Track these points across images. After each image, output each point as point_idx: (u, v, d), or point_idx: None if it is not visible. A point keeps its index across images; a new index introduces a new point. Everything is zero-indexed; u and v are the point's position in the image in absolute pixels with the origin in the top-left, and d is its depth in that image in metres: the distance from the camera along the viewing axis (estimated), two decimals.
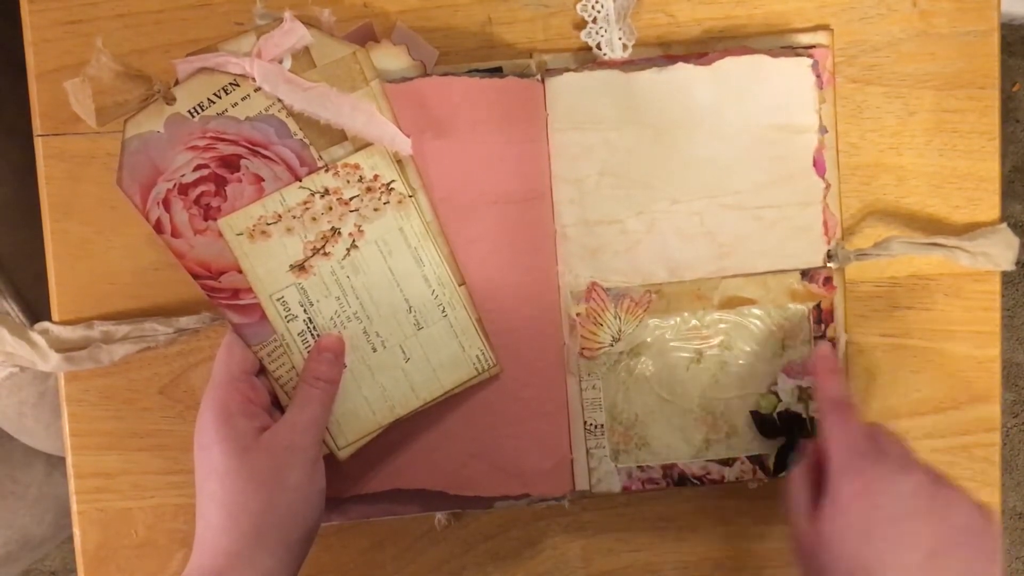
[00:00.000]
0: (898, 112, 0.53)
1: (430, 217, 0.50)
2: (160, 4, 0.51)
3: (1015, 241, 0.53)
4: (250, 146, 0.48)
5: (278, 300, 0.49)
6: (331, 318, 0.49)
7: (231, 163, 0.48)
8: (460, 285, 0.50)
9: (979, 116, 0.53)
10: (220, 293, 0.49)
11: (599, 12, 0.51)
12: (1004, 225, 0.53)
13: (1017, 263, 0.53)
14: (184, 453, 0.53)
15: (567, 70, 0.51)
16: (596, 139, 0.51)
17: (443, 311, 0.50)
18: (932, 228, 0.53)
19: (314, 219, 0.49)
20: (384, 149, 0.49)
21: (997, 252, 0.52)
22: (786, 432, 0.53)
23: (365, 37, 0.51)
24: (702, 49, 0.51)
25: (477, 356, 0.51)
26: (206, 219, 0.48)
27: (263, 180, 0.48)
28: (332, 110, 0.48)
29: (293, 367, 0.49)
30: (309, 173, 0.49)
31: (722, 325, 0.52)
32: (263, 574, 0.44)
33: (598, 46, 0.51)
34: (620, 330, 0.52)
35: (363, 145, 0.49)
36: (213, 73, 0.47)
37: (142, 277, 0.52)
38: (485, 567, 0.55)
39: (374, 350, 0.50)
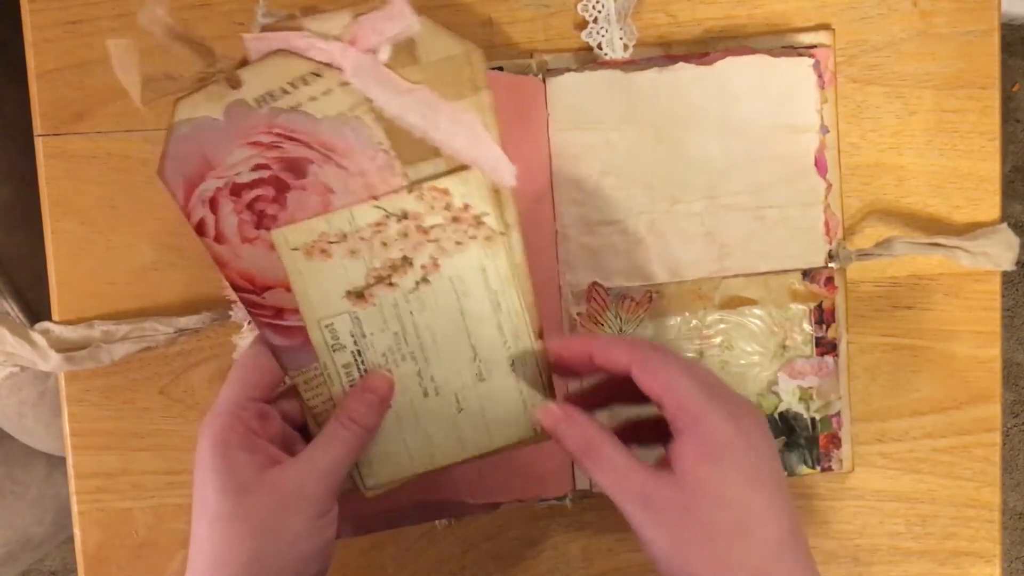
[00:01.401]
0: (898, 112, 0.53)
1: (519, 259, 0.43)
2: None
3: (1015, 241, 0.53)
4: (324, 151, 0.40)
5: (326, 326, 0.43)
6: (383, 354, 0.44)
7: (297, 168, 0.40)
8: (538, 339, 0.45)
9: (979, 116, 0.53)
10: (262, 311, 0.42)
11: (600, 12, 0.51)
12: (1004, 225, 0.53)
13: (1017, 263, 0.53)
14: (184, 453, 0.53)
15: (568, 70, 0.51)
16: (597, 139, 0.51)
17: (512, 365, 0.45)
18: (932, 228, 0.53)
19: (384, 244, 0.42)
20: (481, 176, 0.41)
21: (997, 252, 0.52)
22: (786, 432, 0.53)
23: None
24: (703, 49, 0.51)
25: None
26: (258, 227, 0.41)
27: (332, 192, 0.41)
28: (430, 121, 0.40)
29: (331, 398, 0.44)
30: (388, 192, 0.41)
31: (723, 325, 0.52)
32: None
33: (599, 46, 0.51)
34: (621, 330, 0.52)
35: (457, 167, 0.41)
36: (291, 57, 0.39)
37: (142, 277, 0.52)
38: (485, 567, 0.55)
39: (425, 395, 0.45)
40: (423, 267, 0.43)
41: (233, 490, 0.40)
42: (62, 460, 0.65)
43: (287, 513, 0.40)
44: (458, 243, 0.42)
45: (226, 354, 0.52)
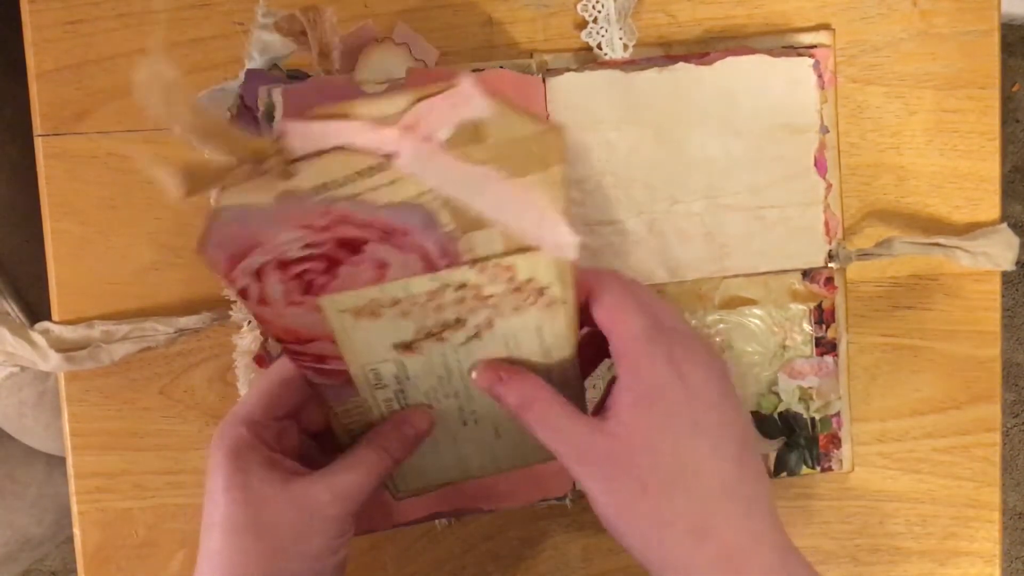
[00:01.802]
0: (898, 112, 0.53)
1: (573, 326, 0.41)
2: (161, 4, 0.51)
3: (1015, 241, 0.53)
4: (382, 232, 0.37)
5: (371, 370, 0.41)
6: (425, 392, 0.43)
7: (352, 246, 0.37)
8: (584, 380, 0.44)
9: (979, 116, 0.53)
10: (303, 357, 0.40)
11: (600, 12, 0.51)
12: (1004, 225, 0.53)
13: (1017, 263, 0.53)
14: (184, 453, 0.53)
15: (568, 70, 0.51)
16: (596, 139, 0.51)
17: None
18: (932, 228, 0.53)
19: (439, 308, 0.39)
20: (551, 259, 0.38)
21: (997, 252, 0.52)
22: (786, 432, 0.53)
23: (365, 37, 0.51)
24: (703, 49, 0.51)
25: None
26: (305, 293, 0.38)
27: (388, 266, 0.37)
28: (491, 201, 0.36)
29: (370, 423, 0.43)
30: (449, 266, 0.37)
31: (722, 325, 0.52)
32: None
33: (599, 46, 0.51)
34: None
35: (516, 239, 0.37)
36: (352, 153, 0.34)
37: (142, 277, 0.52)
38: (485, 567, 0.55)
39: (464, 424, 0.44)
40: (476, 327, 0.41)
41: (250, 503, 0.38)
42: (62, 460, 0.65)
43: (306, 532, 0.39)
44: (515, 308, 0.40)
45: (226, 354, 0.52)
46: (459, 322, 0.40)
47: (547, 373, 0.43)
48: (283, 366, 0.42)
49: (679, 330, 0.39)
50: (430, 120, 0.34)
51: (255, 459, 0.39)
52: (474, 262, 0.38)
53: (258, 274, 0.37)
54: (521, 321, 0.40)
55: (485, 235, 0.37)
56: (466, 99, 0.34)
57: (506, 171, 0.36)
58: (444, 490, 0.49)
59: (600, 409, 0.40)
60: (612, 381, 0.40)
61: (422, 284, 0.38)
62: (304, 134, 0.34)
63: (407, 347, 0.41)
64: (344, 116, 0.34)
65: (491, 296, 0.39)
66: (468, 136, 0.35)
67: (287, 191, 0.35)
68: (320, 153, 0.35)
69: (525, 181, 0.36)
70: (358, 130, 0.34)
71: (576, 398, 0.44)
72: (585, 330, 0.42)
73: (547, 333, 0.41)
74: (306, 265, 0.37)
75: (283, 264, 0.37)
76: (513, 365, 0.41)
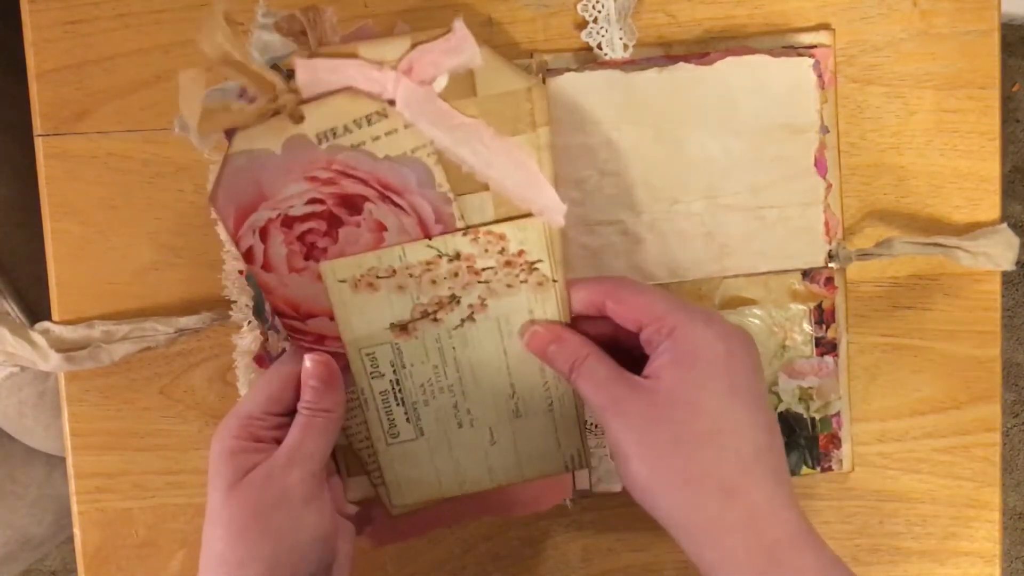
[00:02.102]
0: (898, 112, 0.53)
1: (564, 305, 0.43)
2: (161, 4, 0.51)
3: (1015, 241, 0.53)
4: (381, 189, 0.39)
5: (367, 355, 0.43)
6: (421, 385, 0.44)
7: (352, 205, 0.40)
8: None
9: (979, 116, 0.53)
10: (303, 336, 0.43)
11: (600, 12, 0.51)
12: (1004, 225, 0.53)
13: (1017, 263, 0.53)
14: (184, 453, 0.53)
15: (568, 70, 0.51)
16: (597, 139, 0.51)
17: (550, 405, 0.46)
18: (932, 228, 0.53)
19: (434, 282, 0.41)
20: (541, 225, 0.41)
21: (997, 252, 0.52)
22: (786, 432, 0.53)
23: (365, 37, 0.50)
24: (703, 49, 0.51)
25: (572, 456, 0.47)
26: (307, 259, 0.41)
27: (386, 229, 0.40)
28: (483, 157, 0.39)
29: (365, 422, 0.45)
30: (443, 232, 0.40)
31: None
32: None
33: (599, 46, 0.51)
34: None
35: (505, 204, 0.40)
36: (358, 96, 0.37)
37: (142, 277, 0.52)
38: (485, 567, 0.55)
39: (459, 426, 0.45)
40: (470, 306, 0.42)
41: (250, 503, 0.40)
42: (62, 460, 0.65)
43: (268, 505, 0.40)
44: (508, 286, 0.42)
45: (226, 354, 0.52)
46: (454, 299, 0.42)
47: (540, 368, 0.45)
48: (282, 365, 0.43)
49: (707, 308, 0.41)
50: (425, 64, 0.36)
51: (239, 450, 0.41)
52: (467, 230, 0.40)
53: (263, 233, 0.39)
54: (513, 302, 0.41)
55: (477, 200, 0.40)
56: (460, 45, 0.36)
57: (496, 127, 0.38)
58: (444, 504, 0.49)
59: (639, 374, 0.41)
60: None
61: (417, 252, 0.40)
62: (314, 71, 0.37)
63: (403, 328, 0.42)
64: (351, 55, 0.37)
65: (484, 270, 0.41)
66: (461, 87, 0.37)
67: (295, 135, 0.37)
68: (329, 94, 0.37)
69: (515, 141, 0.39)
70: (362, 70, 0.36)
71: (563, 396, 0.46)
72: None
73: (539, 318, 0.42)
74: (309, 224, 0.39)
75: (288, 221, 0.39)
76: (562, 327, 0.43)
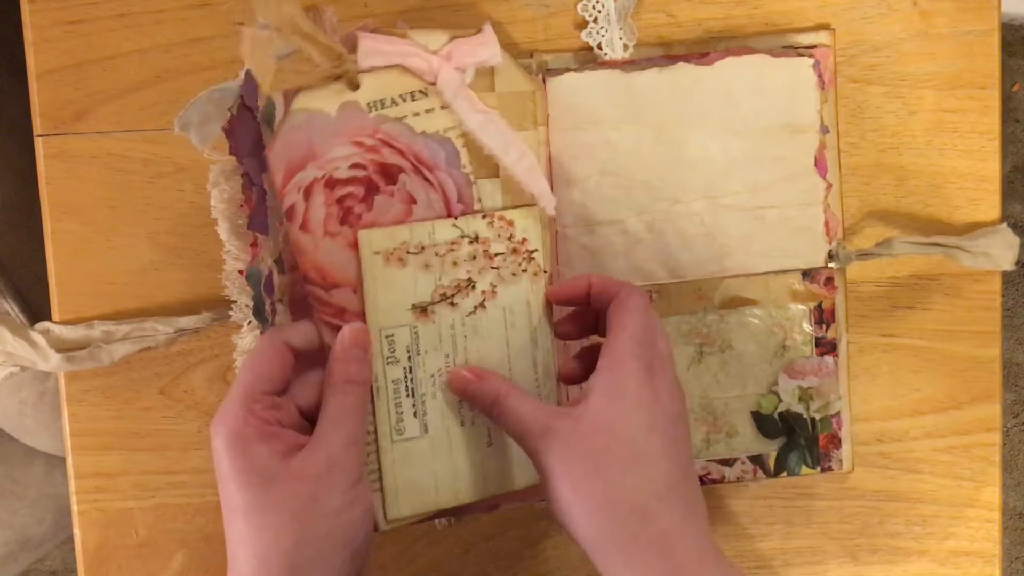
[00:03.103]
0: (898, 112, 0.53)
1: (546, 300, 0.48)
2: (160, 4, 0.51)
3: (1015, 241, 0.53)
4: (415, 162, 0.44)
5: (387, 336, 0.44)
6: (432, 375, 0.45)
7: (390, 173, 0.44)
8: (559, 381, 0.48)
9: (979, 116, 0.53)
10: (325, 307, 0.44)
11: (600, 12, 0.51)
12: (1004, 225, 0.53)
13: (1017, 263, 0.53)
14: (184, 453, 0.53)
15: (568, 70, 0.51)
16: (597, 139, 0.51)
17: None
18: (932, 228, 0.53)
19: (455, 263, 0.45)
20: (538, 214, 0.46)
21: (997, 252, 0.52)
22: (786, 432, 0.53)
23: None
24: (703, 49, 0.51)
25: None
26: (342, 223, 0.44)
27: (415, 202, 0.44)
28: (501, 145, 0.45)
29: (374, 412, 0.45)
30: (464, 212, 0.45)
31: (722, 325, 0.52)
32: None
33: (599, 46, 0.51)
34: None
35: (511, 192, 0.46)
36: (406, 73, 0.43)
37: (142, 277, 0.52)
38: (485, 567, 0.55)
39: (462, 424, 0.46)
40: (483, 292, 0.46)
41: (259, 483, 0.39)
42: (62, 460, 0.65)
43: (321, 494, 0.40)
44: (513, 274, 0.46)
45: (226, 354, 0.52)
46: (470, 283, 0.45)
47: (533, 363, 0.47)
48: (263, 342, 0.43)
49: (666, 357, 0.44)
50: (461, 54, 0.44)
51: (255, 438, 0.40)
52: (484, 213, 0.45)
53: (307, 191, 0.43)
54: (516, 291, 0.46)
55: (489, 185, 0.46)
56: (489, 42, 0.44)
57: (508, 120, 0.45)
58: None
59: (573, 401, 0.44)
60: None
61: (445, 231, 0.44)
62: (373, 46, 0.43)
63: (423, 311, 0.45)
64: (402, 35, 0.44)
65: (497, 255, 0.45)
66: (484, 82, 0.45)
67: (349, 101, 0.43)
68: (383, 68, 0.43)
69: (522, 135, 0.46)
70: (413, 51, 0.43)
71: (550, 395, 0.47)
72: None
73: (534, 311, 0.47)
74: (349, 188, 0.44)
75: (331, 183, 0.43)
76: (482, 369, 0.46)
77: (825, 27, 0.52)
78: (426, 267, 0.45)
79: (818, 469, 0.54)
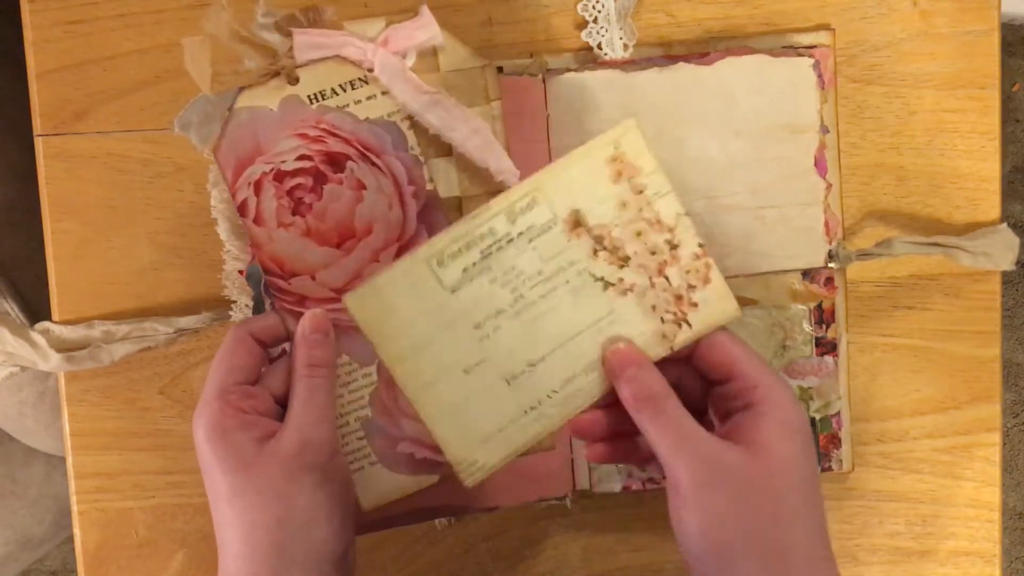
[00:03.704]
0: (898, 112, 0.53)
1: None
2: (160, 4, 0.51)
3: (1015, 241, 0.52)
4: (361, 149, 0.45)
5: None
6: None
7: (337, 162, 0.45)
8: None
9: (979, 116, 0.53)
10: (286, 296, 0.46)
11: (600, 12, 0.51)
12: (1004, 225, 0.53)
13: (1017, 263, 0.53)
14: (184, 453, 0.53)
15: (568, 70, 0.51)
16: None
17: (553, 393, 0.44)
18: (932, 228, 0.53)
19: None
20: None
21: (997, 252, 0.52)
22: None
23: None
24: (703, 49, 0.51)
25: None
26: (294, 213, 0.45)
27: (365, 188, 0.45)
28: (446, 122, 0.45)
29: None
30: (415, 194, 0.45)
31: None
32: None
33: (599, 46, 0.51)
34: None
35: (467, 169, 0.45)
36: (344, 63, 0.44)
37: (142, 277, 0.52)
38: (485, 568, 0.55)
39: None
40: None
41: (240, 467, 0.41)
42: (62, 460, 0.65)
43: (297, 472, 0.41)
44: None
45: None
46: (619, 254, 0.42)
47: (573, 361, 0.44)
48: (232, 335, 0.44)
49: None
50: (398, 38, 0.44)
51: (234, 427, 0.41)
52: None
53: (257, 186, 0.45)
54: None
55: (443, 163, 0.46)
56: (427, 24, 0.44)
57: (457, 98, 0.45)
58: (440, 487, 0.49)
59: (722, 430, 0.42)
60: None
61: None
62: (309, 41, 0.44)
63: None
64: (337, 26, 0.44)
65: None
66: (427, 63, 0.45)
67: (290, 95, 0.44)
68: (320, 61, 0.44)
69: (473, 111, 0.45)
70: (348, 38, 0.44)
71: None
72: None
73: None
74: (298, 179, 0.45)
75: (279, 175, 0.45)
76: (645, 356, 0.43)
77: (825, 27, 0.52)
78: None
79: (818, 469, 0.54)
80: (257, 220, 0.45)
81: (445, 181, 0.46)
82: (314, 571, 0.41)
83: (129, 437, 0.53)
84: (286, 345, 0.47)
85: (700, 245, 0.43)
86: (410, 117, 0.45)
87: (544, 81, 0.50)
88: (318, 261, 0.46)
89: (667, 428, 0.40)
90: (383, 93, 0.45)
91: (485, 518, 0.55)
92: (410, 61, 0.45)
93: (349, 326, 0.43)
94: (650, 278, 0.43)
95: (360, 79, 0.45)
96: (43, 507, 0.77)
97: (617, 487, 0.53)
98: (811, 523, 0.40)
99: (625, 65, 0.51)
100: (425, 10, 0.44)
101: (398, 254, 0.46)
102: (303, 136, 0.45)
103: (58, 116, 0.51)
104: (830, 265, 0.52)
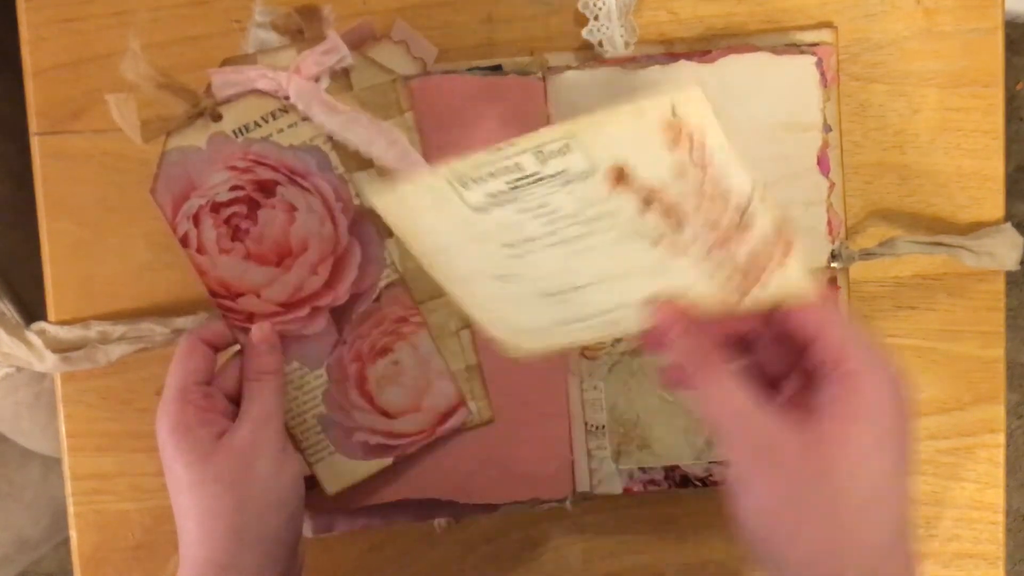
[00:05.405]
0: (902, 110, 0.52)
1: None
2: (157, 1, 0.51)
3: (1020, 241, 0.52)
4: (289, 174, 0.48)
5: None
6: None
7: (267, 188, 0.48)
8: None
9: (983, 115, 0.53)
10: (235, 315, 0.48)
11: (601, 9, 0.51)
12: (1009, 225, 0.53)
13: (1022, 263, 0.53)
14: None
15: (568, 68, 0.50)
16: None
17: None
18: (936, 227, 0.53)
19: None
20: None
21: (1002, 252, 0.52)
22: None
23: (364, 34, 0.50)
24: (705, 47, 0.51)
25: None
26: (233, 240, 0.48)
27: (297, 209, 0.48)
28: (363, 137, 0.47)
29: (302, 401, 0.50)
30: (344, 209, 0.48)
31: None
32: (252, 574, 0.44)
33: (600, 44, 0.51)
34: None
35: (386, 174, 0.47)
36: (263, 96, 0.47)
37: (139, 277, 0.52)
38: (485, 570, 0.55)
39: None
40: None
41: (199, 460, 0.44)
42: (58, 461, 0.64)
43: (252, 461, 0.45)
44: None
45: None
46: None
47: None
48: (187, 340, 0.47)
49: (878, 344, 0.37)
50: (309, 64, 0.46)
51: (194, 423, 0.45)
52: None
53: (196, 219, 0.48)
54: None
55: (365, 175, 0.48)
56: (334, 48, 0.46)
57: (372, 113, 0.47)
58: (412, 476, 0.51)
59: (784, 406, 0.37)
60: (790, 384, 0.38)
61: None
62: (224, 80, 0.46)
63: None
64: (250, 60, 0.47)
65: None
66: (341, 84, 0.47)
67: (216, 132, 0.47)
68: (240, 96, 0.47)
69: (388, 124, 0.47)
70: (261, 71, 0.46)
71: None
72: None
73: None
74: (233, 208, 0.48)
75: (215, 207, 0.48)
76: (688, 312, 0.38)
77: (828, 25, 0.52)
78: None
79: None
80: (199, 249, 0.48)
81: (368, 191, 0.48)
82: (268, 555, 0.45)
83: (126, 438, 0.53)
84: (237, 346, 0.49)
85: (777, 229, 0.38)
86: (331, 138, 0.48)
87: (545, 79, 0.50)
88: (261, 280, 0.49)
89: (714, 399, 0.36)
90: (303, 119, 0.47)
91: (485, 520, 0.54)
92: (324, 84, 0.47)
93: (298, 335, 0.49)
94: (709, 249, 0.38)
95: (280, 109, 0.47)
96: (39, 509, 0.77)
97: (618, 489, 0.53)
98: (883, 523, 0.35)
99: (626, 63, 0.50)
100: (333, 35, 0.46)
101: (335, 267, 0.49)
102: (233, 168, 0.47)
103: (54, 115, 0.51)
104: (833, 265, 0.52)
